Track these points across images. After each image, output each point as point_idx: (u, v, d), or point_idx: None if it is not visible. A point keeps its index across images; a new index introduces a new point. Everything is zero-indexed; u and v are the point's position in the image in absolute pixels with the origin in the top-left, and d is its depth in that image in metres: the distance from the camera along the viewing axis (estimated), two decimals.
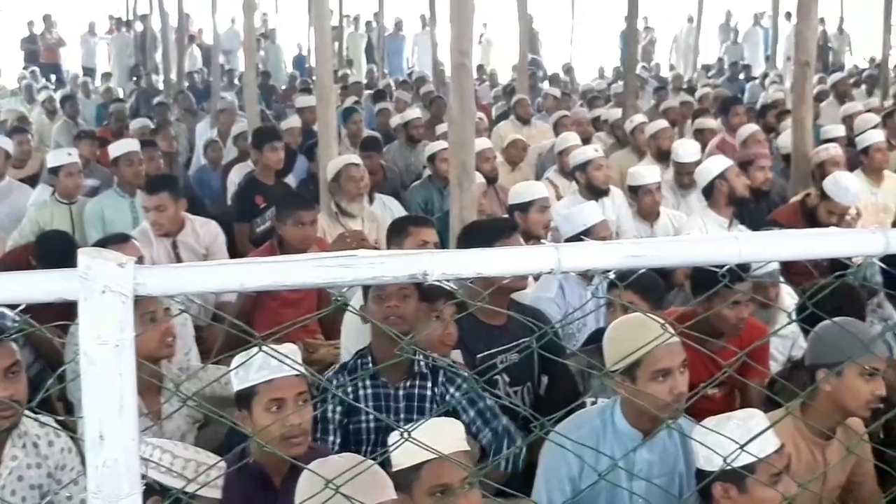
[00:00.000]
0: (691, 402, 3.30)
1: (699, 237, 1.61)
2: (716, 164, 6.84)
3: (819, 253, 1.84)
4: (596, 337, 4.23)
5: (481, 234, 4.69)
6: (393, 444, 2.83)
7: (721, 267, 1.77)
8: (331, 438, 3.85)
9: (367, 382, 3.97)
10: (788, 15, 19.29)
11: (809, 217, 6.48)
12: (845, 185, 6.42)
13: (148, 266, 1.47)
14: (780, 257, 1.80)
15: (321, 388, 3.92)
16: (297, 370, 3.15)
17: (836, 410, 3.56)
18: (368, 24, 24.58)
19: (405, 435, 1.96)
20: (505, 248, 1.66)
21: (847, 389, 3.48)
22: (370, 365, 3.96)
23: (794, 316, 4.22)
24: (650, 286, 4.31)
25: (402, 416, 3.93)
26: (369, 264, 1.51)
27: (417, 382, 4.00)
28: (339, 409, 3.91)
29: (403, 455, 2.85)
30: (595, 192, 7.11)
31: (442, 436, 2.90)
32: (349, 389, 3.94)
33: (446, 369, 3.97)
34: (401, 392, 3.97)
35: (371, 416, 3.90)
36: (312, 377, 3.37)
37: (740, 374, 4.31)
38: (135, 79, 20.11)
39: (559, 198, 7.53)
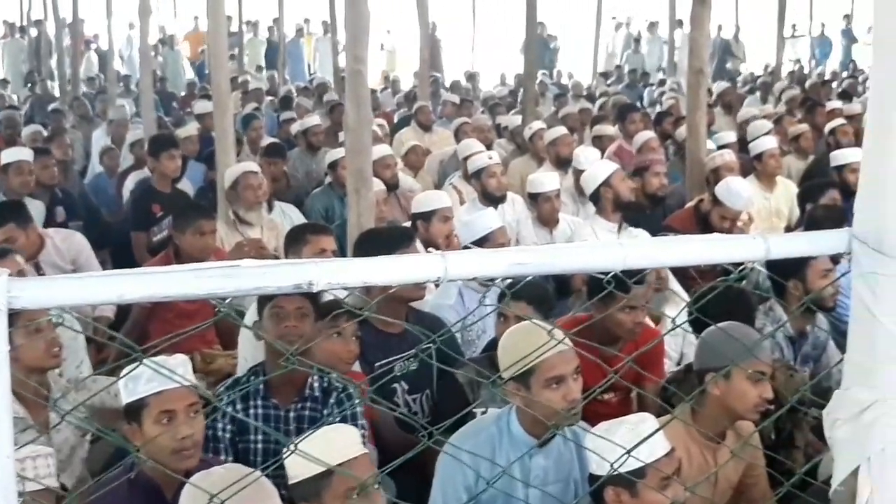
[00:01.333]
0: (582, 405, 3.31)
1: (585, 244, 1.60)
2: (600, 171, 6.78)
3: (702, 258, 1.86)
4: (493, 345, 4.23)
5: (378, 242, 4.63)
6: (285, 455, 2.79)
7: (607, 273, 1.78)
8: (222, 457, 3.72)
9: (259, 402, 3.85)
10: (680, 23, 19.52)
11: (703, 222, 6.57)
12: (737, 190, 6.53)
13: (23, 279, 1.43)
14: (664, 263, 1.82)
15: (210, 402, 3.81)
16: (183, 382, 3.09)
17: (725, 414, 3.62)
18: (271, 29, 24.35)
19: (292, 447, 1.93)
20: (392, 257, 1.65)
21: (735, 393, 3.54)
22: (262, 383, 3.85)
23: (681, 318, 4.29)
24: (538, 296, 4.30)
25: (292, 438, 3.74)
26: (252, 274, 1.49)
27: (309, 405, 3.88)
28: (229, 426, 3.81)
29: (306, 466, 2.79)
30: (491, 199, 7.14)
31: (340, 441, 2.89)
32: (239, 407, 3.82)
33: (338, 391, 3.88)
34: (291, 414, 3.85)
35: (260, 437, 3.80)
36: (201, 391, 3.30)
37: (637, 378, 4.35)
38: (30, 85, 19.68)
39: (463, 203, 7.56)
